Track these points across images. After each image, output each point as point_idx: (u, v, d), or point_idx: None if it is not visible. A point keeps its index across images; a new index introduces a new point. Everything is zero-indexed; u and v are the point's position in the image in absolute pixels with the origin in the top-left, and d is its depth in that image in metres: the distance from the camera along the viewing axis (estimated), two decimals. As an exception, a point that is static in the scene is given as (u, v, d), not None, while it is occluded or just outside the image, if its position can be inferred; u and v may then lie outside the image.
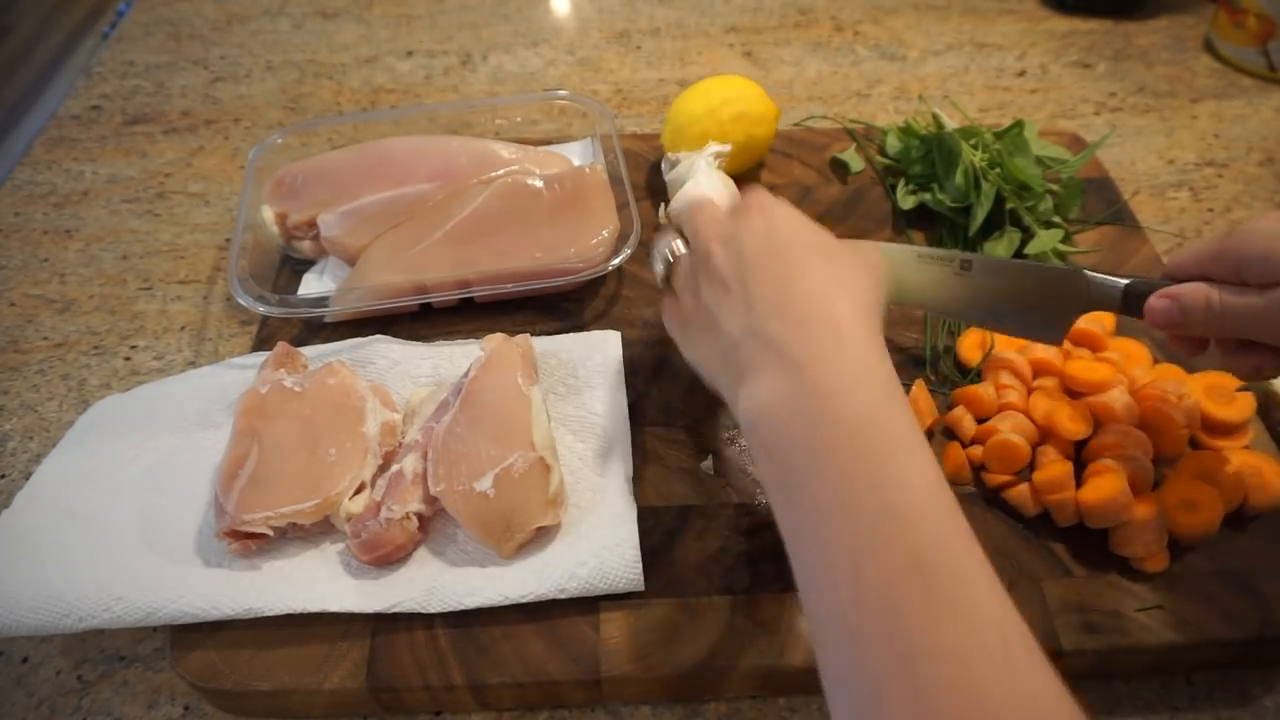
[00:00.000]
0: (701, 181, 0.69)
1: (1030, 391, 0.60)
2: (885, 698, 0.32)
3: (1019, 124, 0.74)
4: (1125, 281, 0.49)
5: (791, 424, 0.38)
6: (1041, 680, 0.32)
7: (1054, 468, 0.54)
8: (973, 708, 0.31)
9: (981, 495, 0.57)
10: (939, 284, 0.54)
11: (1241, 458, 0.55)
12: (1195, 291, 0.45)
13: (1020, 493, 0.55)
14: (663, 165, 0.77)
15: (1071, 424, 0.56)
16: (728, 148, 0.72)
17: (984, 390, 0.59)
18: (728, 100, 0.74)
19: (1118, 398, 0.56)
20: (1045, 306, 0.52)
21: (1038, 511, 0.55)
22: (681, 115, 0.76)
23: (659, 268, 0.53)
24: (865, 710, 0.33)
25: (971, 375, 0.63)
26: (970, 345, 0.64)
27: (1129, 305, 0.49)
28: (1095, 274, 0.50)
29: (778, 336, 0.40)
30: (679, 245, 0.51)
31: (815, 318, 0.41)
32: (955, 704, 0.31)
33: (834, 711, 0.35)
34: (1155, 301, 0.47)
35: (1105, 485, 0.52)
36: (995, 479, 0.56)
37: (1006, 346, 0.63)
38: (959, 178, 0.72)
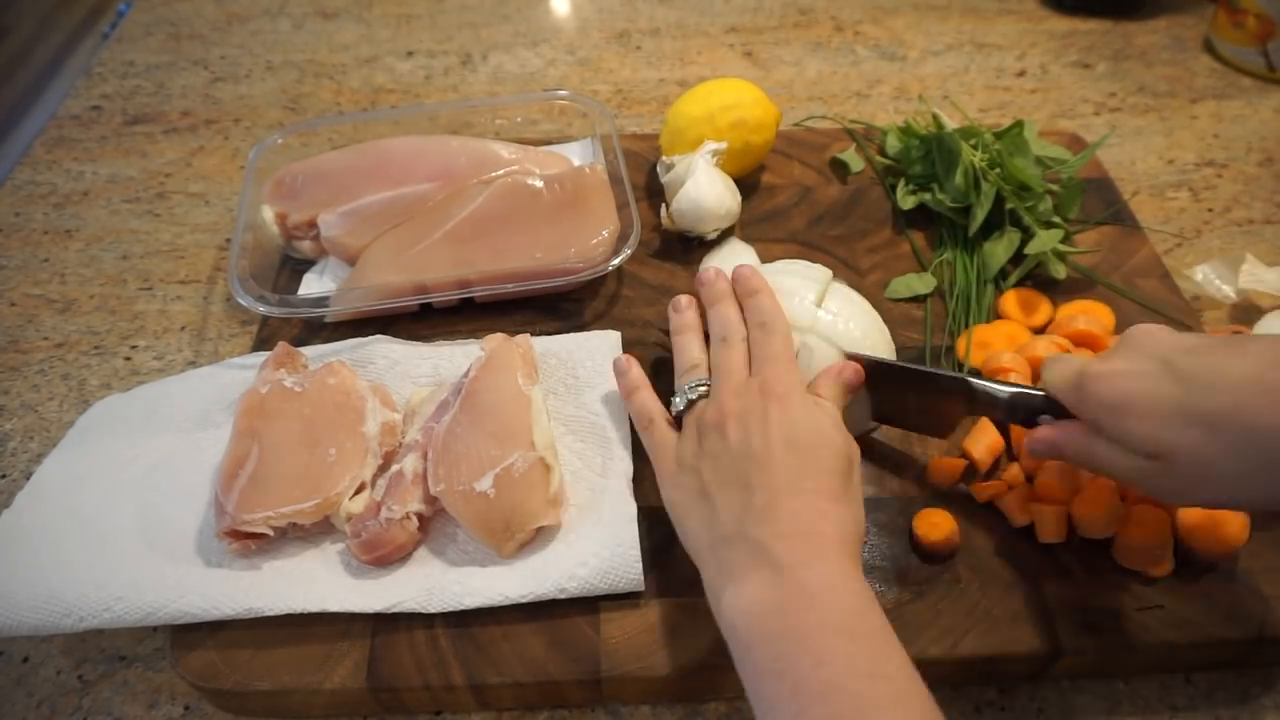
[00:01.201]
0: (701, 182, 0.69)
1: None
2: None
3: (1019, 124, 0.74)
4: (1009, 391, 0.50)
5: (775, 617, 0.41)
6: None
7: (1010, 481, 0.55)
8: None
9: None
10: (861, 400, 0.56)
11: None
12: (1073, 439, 0.47)
13: (1009, 502, 0.55)
14: (658, 168, 0.77)
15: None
16: (724, 145, 0.72)
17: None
18: (726, 106, 0.74)
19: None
20: (932, 408, 0.55)
21: (1025, 522, 0.55)
22: (680, 119, 0.76)
23: (679, 402, 0.53)
24: None
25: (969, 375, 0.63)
26: (969, 346, 0.64)
27: (1013, 414, 0.50)
28: (979, 381, 0.51)
29: (768, 543, 0.43)
30: (704, 389, 0.52)
31: (804, 532, 0.43)
32: None
33: None
34: (1034, 439, 0.49)
35: (1097, 497, 0.52)
36: (985, 489, 0.56)
37: (1005, 345, 0.63)
38: (959, 178, 0.72)
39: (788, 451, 0.46)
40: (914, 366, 0.54)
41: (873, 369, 0.54)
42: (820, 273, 0.61)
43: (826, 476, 0.46)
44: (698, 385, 0.53)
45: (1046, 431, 0.48)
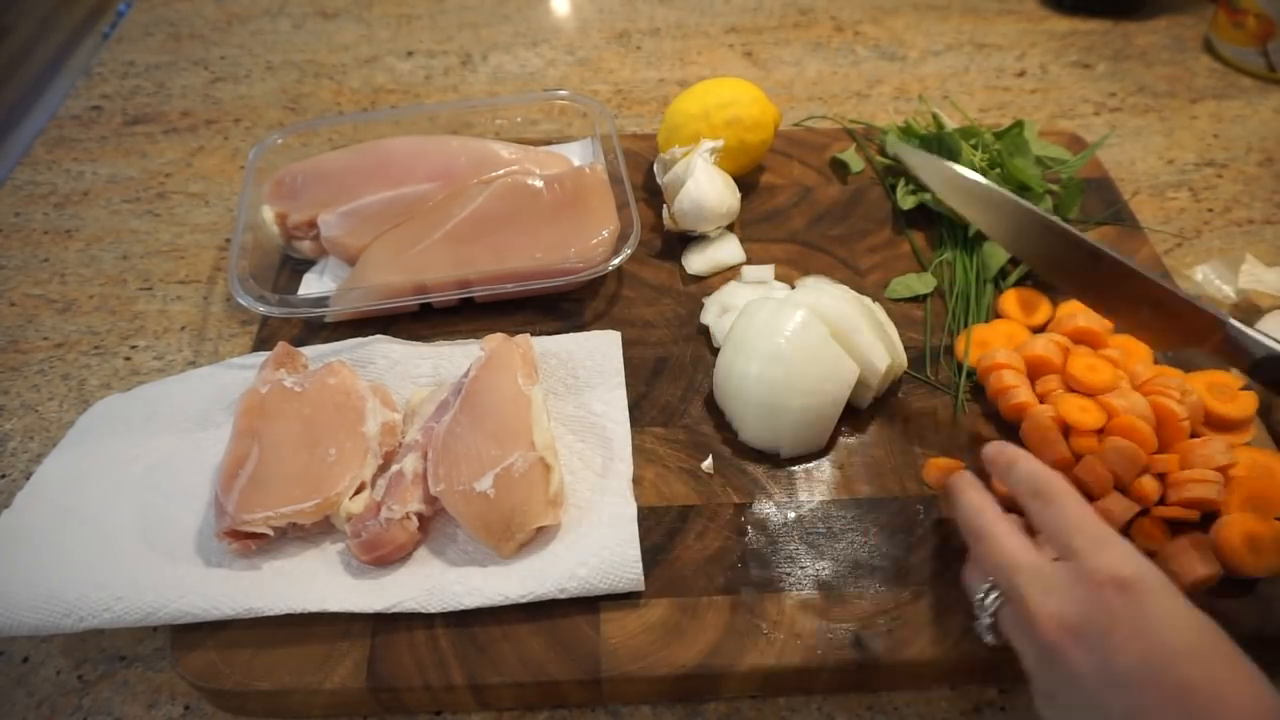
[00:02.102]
0: (701, 180, 0.69)
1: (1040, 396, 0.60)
2: None
3: (1019, 124, 0.74)
4: (1269, 348, 0.45)
5: None
6: None
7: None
8: None
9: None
10: (1061, 261, 0.53)
11: (1250, 455, 0.55)
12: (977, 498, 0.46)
13: None
14: (655, 168, 0.77)
15: (1083, 415, 0.56)
16: (720, 143, 0.72)
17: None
18: (722, 104, 0.74)
19: (1125, 393, 0.57)
20: (1168, 329, 0.50)
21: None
22: (677, 115, 0.76)
23: (986, 627, 0.44)
24: None
25: (969, 374, 0.63)
26: (969, 345, 0.64)
27: (1257, 372, 0.46)
28: (1236, 325, 0.46)
29: None
30: (992, 599, 0.43)
31: None
32: None
33: None
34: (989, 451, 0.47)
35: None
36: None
37: (1004, 344, 0.63)
38: (959, 178, 0.72)
39: (1170, 663, 0.35)
40: (1155, 280, 0.50)
41: (1113, 267, 0.51)
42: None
43: (1235, 683, 0.35)
44: (985, 596, 0.43)
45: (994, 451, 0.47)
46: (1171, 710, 0.34)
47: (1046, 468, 0.45)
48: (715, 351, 0.65)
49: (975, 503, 0.46)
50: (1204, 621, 0.37)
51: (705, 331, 0.67)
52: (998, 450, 0.48)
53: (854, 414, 0.61)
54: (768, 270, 0.70)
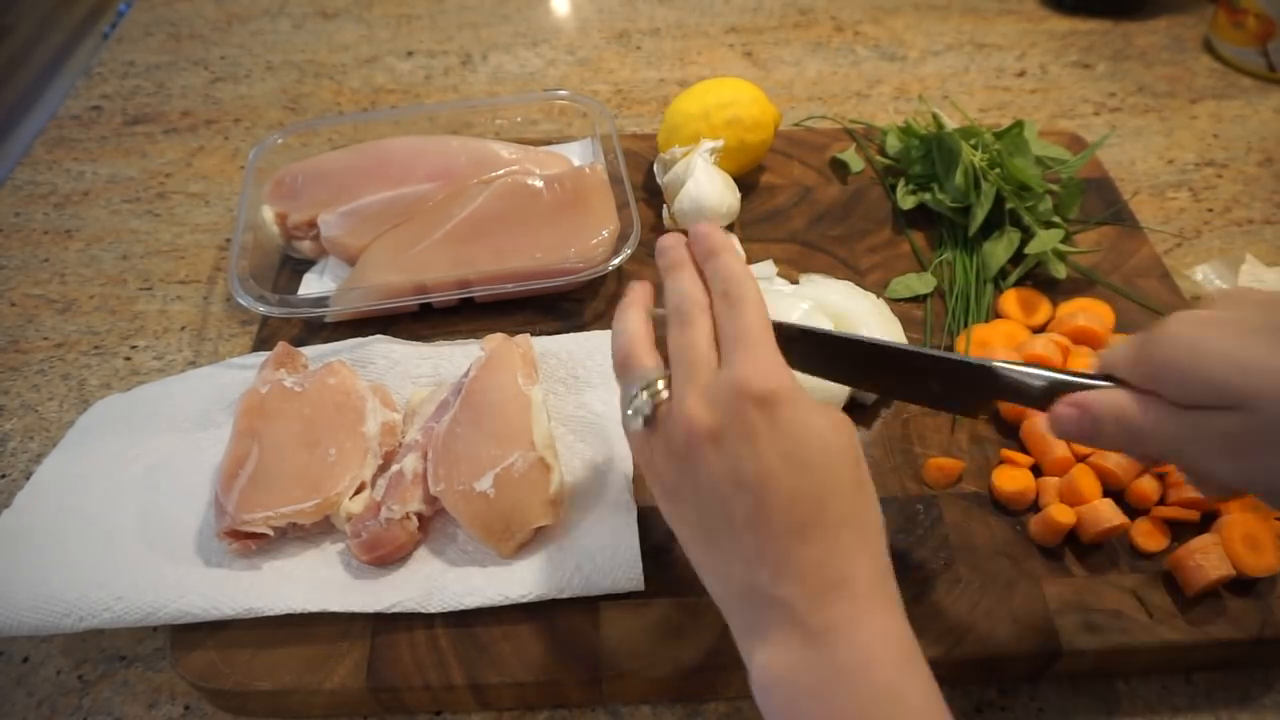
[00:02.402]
0: (701, 180, 0.69)
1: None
2: None
3: (1019, 124, 0.74)
4: (1040, 377, 0.43)
5: (806, 697, 0.36)
6: None
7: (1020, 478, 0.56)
8: None
9: (976, 496, 0.57)
10: (848, 363, 0.49)
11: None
12: (1108, 401, 0.40)
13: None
14: (655, 168, 0.77)
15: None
16: (720, 143, 0.72)
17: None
18: (722, 104, 0.74)
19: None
20: (959, 395, 0.48)
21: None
22: (677, 115, 0.76)
23: (630, 413, 0.42)
24: None
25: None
26: (969, 345, 0.64)
27: (1048, 402, 0.43)
28: (1005, 367, 0.44)
29: (791, 603, 0.36)
30: (661, 388, 0.41)
31: (833, 583, 0.36)
32: None
33: None
34: (1062, 409, 0.41)
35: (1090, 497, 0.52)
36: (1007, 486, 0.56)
37: (1004, 344, 0.63)
38: (959, 178, 0.72)
39: (790, 476, 0.37)
40: (936, 355, 0.47)
41: (878, 353, 0.47)
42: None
43: (843, 499, 0.37)
44: (650, 388, 0.41)
45: (1071, 410, 0.41)
46: (780, 515, 0.37)
47: (745, 268, 0.43)
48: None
49: (690, 288, 0.43)
50: (833, 441, 0.38)
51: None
52: (706, 232, 0.45)
53: (856, 411, 0.61)
54: (769, 267, 0.70)
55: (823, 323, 0.59)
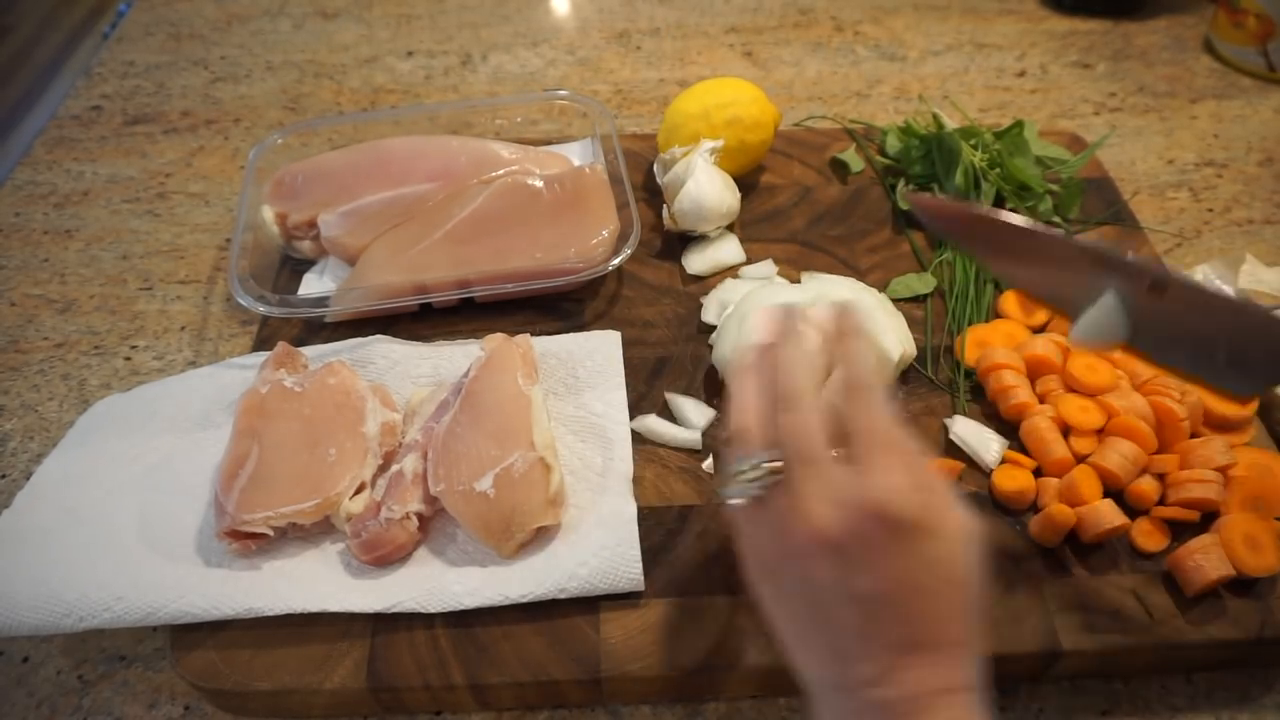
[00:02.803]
0: (701, 180, 0.69)
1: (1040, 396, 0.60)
2: None
3: (1019, 124, 0.74)
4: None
5: None
6: None
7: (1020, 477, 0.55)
8: None
9: (975, 496, 0.57)
10: (1115, 306, 0.43)
11: (1250, 455, 0.55)
12: None
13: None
14: (655, 168, 0.77)
15: (1083, 415, 0.56)
16: (720, 143, 0.72)
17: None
18: (722, 104, 0.74)
19: (1125, 393, 0.57)
20: (1250, 358, 0.41)
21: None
22: (677, 115, 0.76)
23: (740, 494, 0.40)
24: None
25: (969, 375, 0.63)
26: (969, 345, 0.64)
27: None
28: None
29: (894, 705, 0.35)
30: (776, 470, 0.38)
31: (937, 691, 0.36)
32: None
33: None
34: None
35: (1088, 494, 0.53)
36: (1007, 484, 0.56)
37: (1004, 344, 0.63)
38: (959, 178, 0.72)
39: (914, 598, 0.36)
40: (1238, 300, 0.41)
41: (1182, 294, 0.40)
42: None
43: (960, 623, 0.36)
44: (757, 467, 0.39)
45: None
46: (894, 633, 0.36)
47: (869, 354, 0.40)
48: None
49: (803, 361, 0.40)
50: (963, 564, 0.36)
51: (706, 330, 0.67)
52: (847, 312, 0.42)
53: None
54: (769, 266, 0.70)
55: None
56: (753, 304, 0.61)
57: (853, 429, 0.38)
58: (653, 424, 0.60)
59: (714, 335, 0.64)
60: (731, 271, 0.71)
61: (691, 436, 0.59)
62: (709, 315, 0.67)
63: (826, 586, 0.37)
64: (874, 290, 0.64)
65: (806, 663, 0.39)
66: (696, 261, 0.72)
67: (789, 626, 0.39)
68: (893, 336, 0.60)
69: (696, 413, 0.61)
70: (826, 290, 0.61)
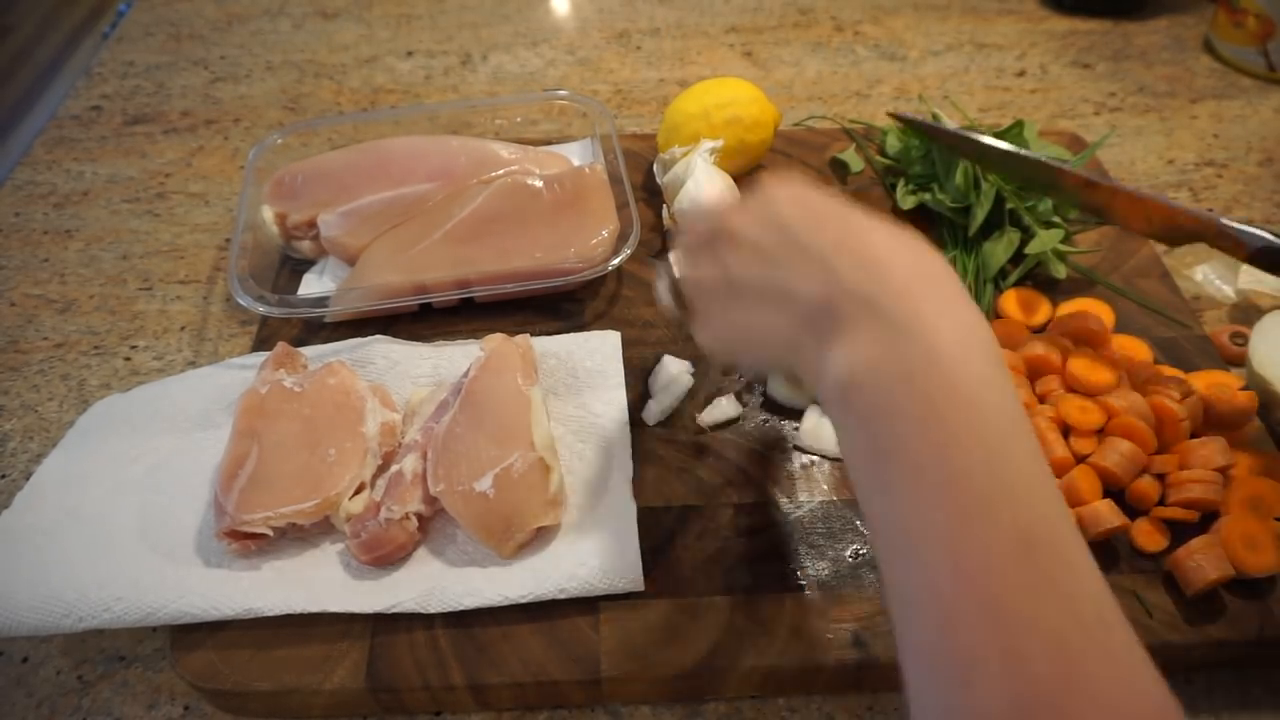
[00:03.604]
0: (701, 180, 0.69)
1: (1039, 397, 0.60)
2: (979, 671, 0.31)
3: (1019, 124, 0.74)
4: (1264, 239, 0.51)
5: (897, 386, 0.35)
6: (1138, 660, 0.31)
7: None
8: (1070, 684, 0.29)
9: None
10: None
11: (1250, 455, 0.55)
12: None
13: None
14: (655, 168, 0.77)
15: (1083, 415, 0.56)
16: (720, 143, 0.72)
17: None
18: (722, 104, 0.74)
19: (1124, 394, 0.57)
20: (1173, 229, 0.57)
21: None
22: (677, 115, 0.76)
23: (664, 293, 0.50)
24: (955, 683, 0.31)
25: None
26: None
27: (1255, 260, 0.51)
28: (1229, 223, 0.53)
29: (876, 296, 0.36)
30: (675, 261, 0.48)
31: (914, 278, 0.36)
32: (1052, 679, 0.30)
33: (916, 686, 0.33)
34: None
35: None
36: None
37: (1004, 344, 0.63)
38: (959, 178, 0.72)
39: (830, 208, 0.40)
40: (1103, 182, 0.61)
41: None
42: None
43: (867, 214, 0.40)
44: (670, 263, 0.49)
45: None
46: (842, 222, 0.40)
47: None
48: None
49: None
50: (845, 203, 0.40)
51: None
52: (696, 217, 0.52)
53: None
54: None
55: None
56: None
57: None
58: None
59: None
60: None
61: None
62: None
63: (766, 236, 0.41)
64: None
65: (771, 328, 0.41)
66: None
67: (746, 309, 0.43)
68: None
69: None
70: None
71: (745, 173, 0.78)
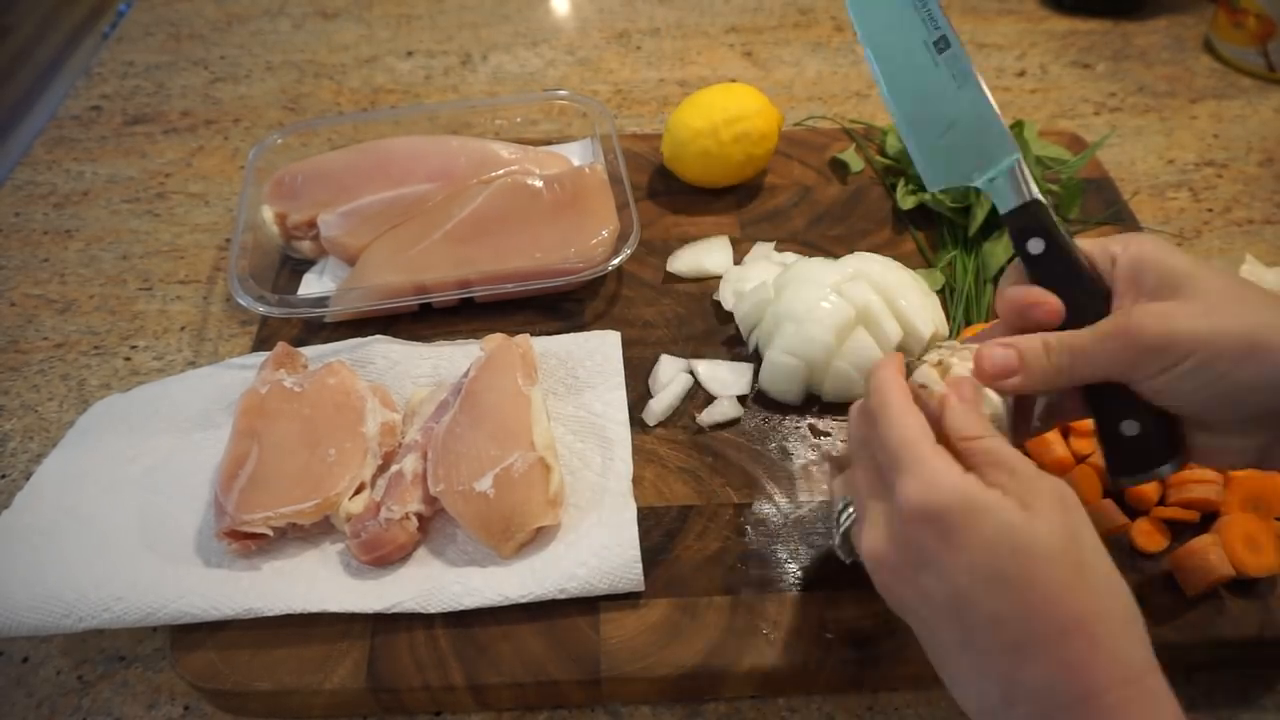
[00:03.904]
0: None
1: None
2: None
3: (1019, 124, 0.74)
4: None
5: None
6: None
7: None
8: None
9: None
10: None
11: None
12: (1031, 340, 0.41)
13: None
14: (723, 293, 0.69)
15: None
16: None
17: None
18: (729, 119, 0.73)
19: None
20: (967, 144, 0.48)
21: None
22: (682, 129, 0.75)
23: (839, 545, 0.47)
24: None
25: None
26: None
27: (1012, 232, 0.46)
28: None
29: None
30: (846, 516, 0.45)
31: (1072, 701, 0.33)
32: None
33: None
34: (992, 350, 0.41)
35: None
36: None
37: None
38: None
39: (985, 595, 0.34)
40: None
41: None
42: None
43: (1057, 603, 0.34)
44: (843, 514, 0.45)
45: (1002, 350, 0.41)
46: (988, 638, 0.35)
47: (889, 374, 0.41)
48: (721, 346, 0.65)
49: (851, 426, 0.43)
50: (1031, 538, 0.34)
51: (702, 334, 0.67)
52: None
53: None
54: (767, 246, 0.72)
55: (865, 293, 0.60)
56: (797, 275, 0.63)
57: (882, 464, 0.40)
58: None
59: (735, 308, 0.66)
60: (714, 281, 0.71)
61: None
62: (725, 301, 0.68)
63: (917, 608, 0.37)
64: (909, 269, 0.64)
65: (957, 692, 0.38)
66: (681, 261, 0.71)
67: (932, 657, 0.39)
68: (925, 315, 0.61)
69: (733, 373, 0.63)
70: (864, 267, 0.62)
71: (748, 180, 0.78)
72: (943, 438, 0.39)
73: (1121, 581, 0.35)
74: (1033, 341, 0.41)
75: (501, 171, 0.73)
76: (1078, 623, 0.34)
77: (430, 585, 0.51)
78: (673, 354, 0.65)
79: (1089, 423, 0.56)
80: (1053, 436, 0.56)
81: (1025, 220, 0.45)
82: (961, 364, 0.43)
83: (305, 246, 0.72)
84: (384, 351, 0.64)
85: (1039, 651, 0.34)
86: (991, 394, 0.43)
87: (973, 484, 0.36)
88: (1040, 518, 0.35)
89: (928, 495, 0.36)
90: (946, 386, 0.41)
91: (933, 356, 0.45)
